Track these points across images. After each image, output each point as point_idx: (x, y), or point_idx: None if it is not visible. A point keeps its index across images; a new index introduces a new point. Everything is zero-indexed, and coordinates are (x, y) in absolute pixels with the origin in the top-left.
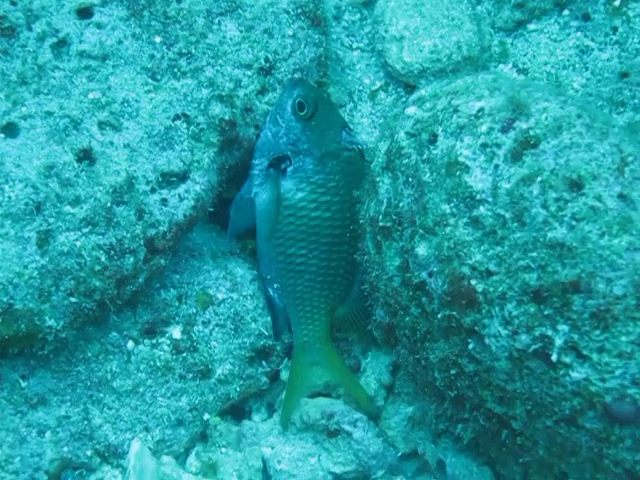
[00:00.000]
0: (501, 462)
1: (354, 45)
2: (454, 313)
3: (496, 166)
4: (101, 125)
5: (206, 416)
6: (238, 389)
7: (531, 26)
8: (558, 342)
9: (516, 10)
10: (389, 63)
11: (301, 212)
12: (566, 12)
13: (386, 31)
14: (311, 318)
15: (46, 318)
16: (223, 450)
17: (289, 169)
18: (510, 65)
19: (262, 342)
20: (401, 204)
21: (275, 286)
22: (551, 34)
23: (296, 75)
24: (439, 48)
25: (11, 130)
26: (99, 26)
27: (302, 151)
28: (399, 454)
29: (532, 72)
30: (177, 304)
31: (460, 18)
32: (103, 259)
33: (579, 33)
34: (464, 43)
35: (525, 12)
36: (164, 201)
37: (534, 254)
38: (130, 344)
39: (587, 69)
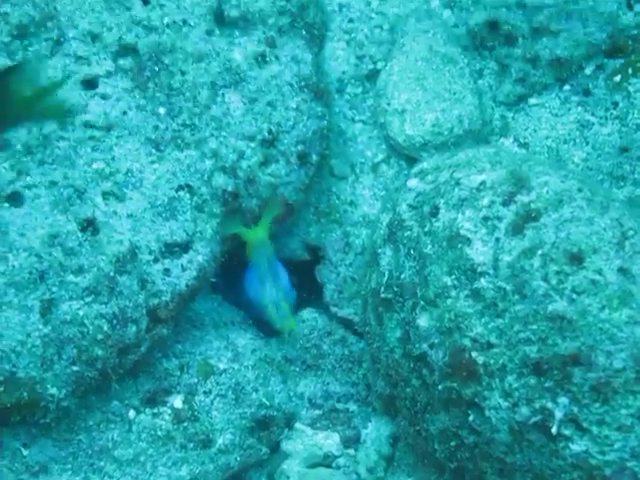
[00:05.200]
0: None
1: (356, 118)
2: (454, 385)
3: (497, 239)
4: (105, 195)
5: None
6: (238, 459)
7: (532, 100)
8: (558, 415)
9: (517, 84)
10: (391, 136)
11: None
12: (567, 87)
13: (388, 104)
14: None
15: (48, 386)
16: None
17: None
18: (511, 139)
19: (263, 412)
20: (403, 276)
21: None
22: (552, 108)
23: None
24: (441, 121)
25: (15, 199)
26: (104, 97)
27: None
28: None
29: (533, 146)
30: (179, 373)
31: (462, 92)
32: (105, 328)
33: (580, 108)
34: (466, 117)
35: (526, 86)
36: (167, 271)
37: (534, 327)
38: (131, 413)
39: (588, 143)
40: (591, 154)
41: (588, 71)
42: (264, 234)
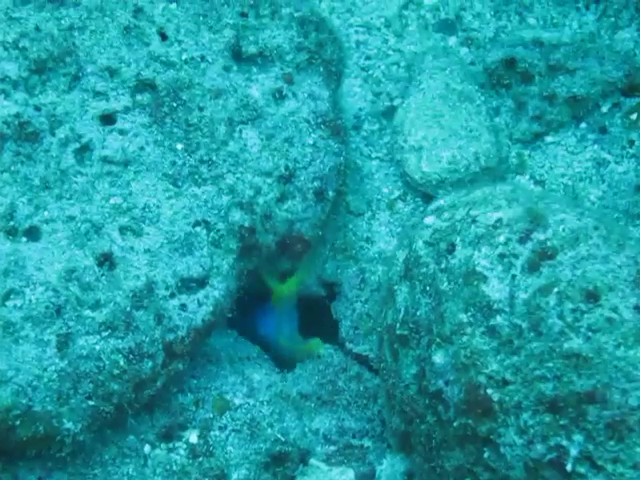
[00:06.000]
0: None
1: (373, 154)
2: (470, 422)
3: (513, 276)
4: (122, 230)
5: None
6: None
7: (548, 138)
8: (573, 452)
9: (534, 122)
10: (407, 173)
11: None
12: (583, 125)
13: (405, 141)
14: None
15: (64, 421)
16: None
17: None
18: (527, 176)
19: (278, 448)
20: (418, 312)
21: None
22: (568, 146)
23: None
24: (457, 159)
25: (33, 234)
26: (122, 132)
27: None
28: None
29: (549, 184)
30: (194, 409)
31: (478, 129)
32: (122, 363)
33: (596, 146)
34: (482, 154)
35: (543, 124)
36: (183, 306)
37: (550, 364)
38: (147, 448)
39: (604, 181)
40: (607, 192)
41: (604, 109)
42: (293, 291)
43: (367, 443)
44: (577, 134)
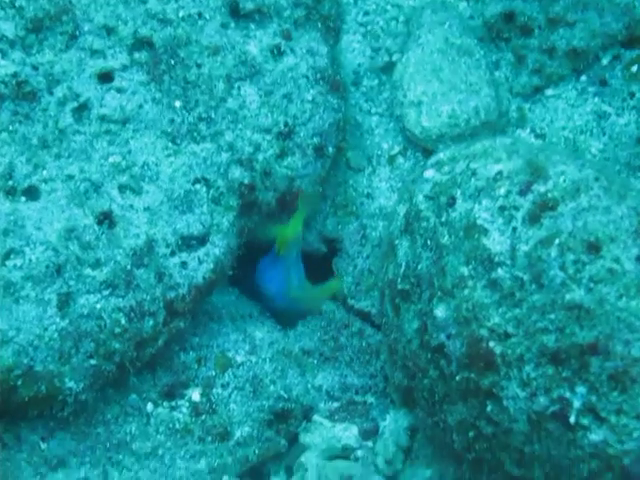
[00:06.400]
0: None
1: (373, 110)
2: (472, 375)
3: (514, 229)
4: (121, 188)
5: (225, 478)
6: (257, 451)
7: (549, 91)
8: (576, 404)
9: (534, 76)
10: (407, 128)
11: None
12: (583, 78)
13: (404, 96)
14: None
15: (66, 380)
16: None
17: None
18: (528, 130)
19: (281, 405)
20: (419, 267)
21: None
22: (569, 99)
23: None
24: (457, 113)
25: (32, 193)
26: (120, 90)
27: None
28: None
29: (550, 137)
30: (196, 367)
31: (478, 83)
32: (123, 321)
33: (596, 98)
34: (482, 108)
35: (543, 78)
36: (184, 264)
37: (552, 316)
38: (149, 406)
39: (604, 134)
40: (608, 144)
41: (605, 62)
42: (298, 230)
43: (370, 399)
44: (577, 87)
